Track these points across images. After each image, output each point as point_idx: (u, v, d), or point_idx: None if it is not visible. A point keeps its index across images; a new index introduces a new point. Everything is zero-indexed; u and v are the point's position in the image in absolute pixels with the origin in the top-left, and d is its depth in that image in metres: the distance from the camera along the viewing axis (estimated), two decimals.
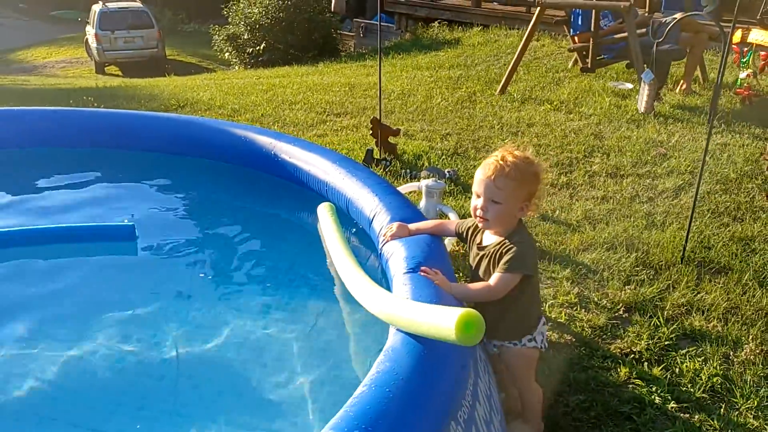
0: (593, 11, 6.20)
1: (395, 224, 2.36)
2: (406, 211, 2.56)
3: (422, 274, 1.98)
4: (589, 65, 6.51)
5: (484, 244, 2.12)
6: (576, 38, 6.65)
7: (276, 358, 2.27)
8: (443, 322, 1.47)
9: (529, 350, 2.14)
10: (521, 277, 1.98)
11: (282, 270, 2.92)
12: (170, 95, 8.02)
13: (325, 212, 2.96)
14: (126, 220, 3.16)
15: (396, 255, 2.17)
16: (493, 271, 2.01)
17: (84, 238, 3.04)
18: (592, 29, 6.27)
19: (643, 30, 6.13)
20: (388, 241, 2.33)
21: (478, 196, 2.01)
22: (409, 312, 1.63)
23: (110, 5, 19.10)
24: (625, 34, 6.20)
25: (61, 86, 11.49)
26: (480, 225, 2.09)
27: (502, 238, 2.04)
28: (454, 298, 1.97)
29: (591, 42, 6.32)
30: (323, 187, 3.19)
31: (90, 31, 18.99)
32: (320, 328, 2.44)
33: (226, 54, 14.98)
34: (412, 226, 2.37)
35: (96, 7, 19.05)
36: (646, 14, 6.81)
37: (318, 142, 5.39)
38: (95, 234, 3.06)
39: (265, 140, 3.62)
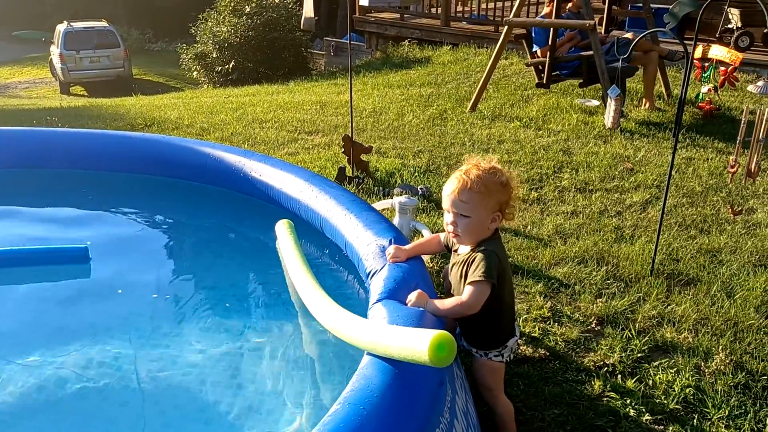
0: (551, 29, 6.33)
1: (392, 247, 2.32)
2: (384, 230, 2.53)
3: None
4: (544, 81, 6.62)
5: (459, 253, 2.15)
6: (536, 54, 6.76)
7: (246, 380, 2.21)
8: (415, 345, 1.45)
9: (493, 363, 2.14)
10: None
11: (251, 290, 2.87)
12: (137, 114, 7.91)
13: (283, 230, 2.90)
14: (89, 243, 3.07)
15: (377, 275, 2.16)
16: (463, 279, 2.02)
17: (36, 261, 2.94)
18: (549, 45, 6.38)
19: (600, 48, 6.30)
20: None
21: (448, 212, 2.04)
22: (378, 335, 1.60)
23: (75, 25, 18.87)
24: (585, 53, 6.34)
25: (25, 107, 11.26)
26: (454, 240, 2.10)
27: (472, 247, 2.06)
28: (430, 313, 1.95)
29: (548, 58, 6.43)
30: (295, 206, 3.16)
31: (54, 51, 18.71)
32: (292, 347, 2.39)
33: (195, 73, 14.88)
34: (407, 247, 2.34)
35: (60, 27, 18.80)
36: (601, 33, 6.96)
37: (289, 160, 5.35)
38: (48, 257, 2.96)
39: (234, 158, 3.58)
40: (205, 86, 14.38)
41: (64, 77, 18.17)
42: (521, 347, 2.84)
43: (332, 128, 6.57)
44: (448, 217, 2.04)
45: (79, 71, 18.18)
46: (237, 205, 3.52)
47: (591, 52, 6.25)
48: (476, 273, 1.95)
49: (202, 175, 3.66)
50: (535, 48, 6.71)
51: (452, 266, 2.16)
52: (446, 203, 2.03)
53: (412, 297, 2.00)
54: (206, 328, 2.52)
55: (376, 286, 2.07)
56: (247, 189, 3.48)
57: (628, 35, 6.18)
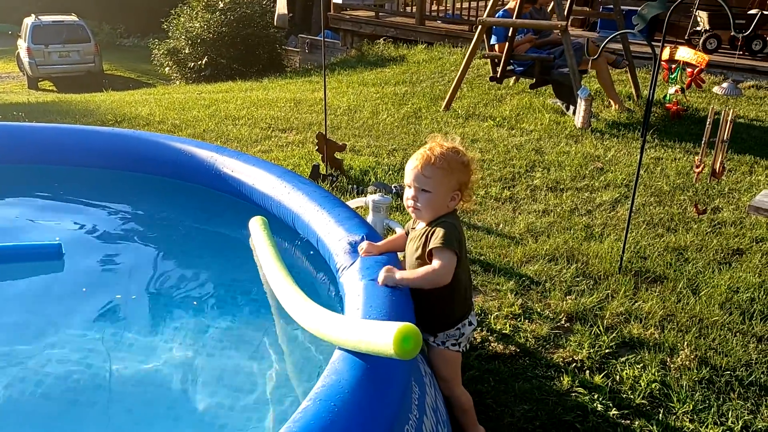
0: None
1: (365, 243, 2.33)
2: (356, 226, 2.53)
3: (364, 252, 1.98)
4: (498, 75, 6.69)
5: (416, 229, 2.17)
6: (493, 47, 6.80)
7: (216, 378, 2.20)
8: (381, 338, 1.45)
9: (449, 353, 2.15)
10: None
11: (222, 286, 2.84)
12: (107, 110, 7.78)
13: (257, 226, 2.89)
14: (58, 239, 3.02)
15: (349, 269, 2.16)
16: (419, 252, 2.05)
17: (8, 258, 2.88)
18: (507, 41, 6.44)
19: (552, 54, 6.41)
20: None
21: (410, 187, 2.07)
22: (347, 329, 1.61)
23: (43, 18, 18.46)
24: (540, 54, 6.44)
25: None
26: (413, 215, 2.12)
27: (428, 223, 2.09)
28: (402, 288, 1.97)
29: (504, 53, 6.48)
30: (267, 202, 3.14)
31: (22, 45, 18.28)
32: (263, 344, 2.38)
33: (167, 68, 14.68)
34: (380, 243, 2.35)
35: (28, 20, 18.37)
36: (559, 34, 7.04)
37: (263, 157, 5.32)
38: (20, 253, 2.90)
39: (206, 154, 3.54)
40: (178, 82, 14.20)
41: (32, 72, 17.76)
42: (492, 344, 2.86)
43: (306, 126, 6.54)
44: (408, 192, 2.07)
45: (47, 66, 17.79)
46: (209, 201, 3.48)
47: (545, 55, 6.37)
48: (438, 240, 1.97)
49: (175, 171, 3.62)
50: (494, 41, 6.75)
51: (408, 243, 2.16)
52: (408, 178, 2.06)
53: (381, 274, 2.02)
54: (176, 326, 2.49)
55: (350, 275, 2.08)
56: (219, 185, 3.45)
57: (580, 40, 6.27)
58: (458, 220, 2.11)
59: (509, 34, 6.39)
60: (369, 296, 1.88)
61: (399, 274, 2.03)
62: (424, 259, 2.04)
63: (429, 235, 2.03)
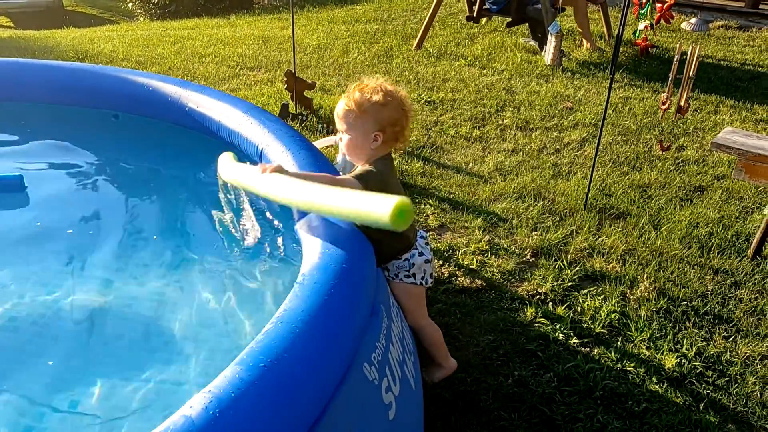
0: None
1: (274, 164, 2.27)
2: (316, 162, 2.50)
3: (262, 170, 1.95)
4: (474, 14, 6.58)
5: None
6: None
7: (183, 308, 2.21)
8: (378, 208, 1.52)
9: (408, 286, 2.19)
10: None
11: (189, 222, 2.83)
12: (68, 47, 7.48)
13: (228, 158, 2.86)
14: (19, 173, 2.95)
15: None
16: None
17: None
18: None
19: None
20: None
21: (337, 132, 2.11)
22: (343, 200, 1.65)
23: None
24: None
25: None
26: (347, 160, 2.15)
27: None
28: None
29: None
30: (235, 138, 3.08)
31: None
32: (228, 276, 2.39)
33: (130, 4, 14.07)
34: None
35: None
36: None
37: None
38: None
39: (170, 89, 3.44)
40: (142, 19, 13.64)
41: None
42: (459, 279, 2.92)
43: (275, 64, 6.39)
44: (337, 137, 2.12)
45: (3, 1, 16.92)
46: (175, 137, 3.41)
47: None
48: (354, 173, 2.02)
49: (140, 106, 3.52)
50: None
51: None
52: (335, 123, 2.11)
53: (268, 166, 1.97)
54: (144, 261, 2.48)
55: (305, 222, 2.06)
56: (185, 121, 3.37)
57: None
58: (389, 163, 2.10)
59: None
60: (325, 238, 1.87)
61: (291, 171, 1.99)
62: None
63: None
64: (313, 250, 1.72)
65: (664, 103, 3.51)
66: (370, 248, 1.95)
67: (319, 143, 3.69)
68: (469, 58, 6.46)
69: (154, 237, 2.65)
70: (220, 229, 2.68)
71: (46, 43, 8.13)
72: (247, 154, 2.91)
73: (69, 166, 3.29)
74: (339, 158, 3.58)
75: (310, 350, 1.36)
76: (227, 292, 2.27)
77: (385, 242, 2.10)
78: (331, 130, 4.50)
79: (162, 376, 1.91)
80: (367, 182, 1.97)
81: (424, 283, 2.20)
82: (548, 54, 6.07)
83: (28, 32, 10.91)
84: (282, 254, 2.44)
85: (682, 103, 3.40)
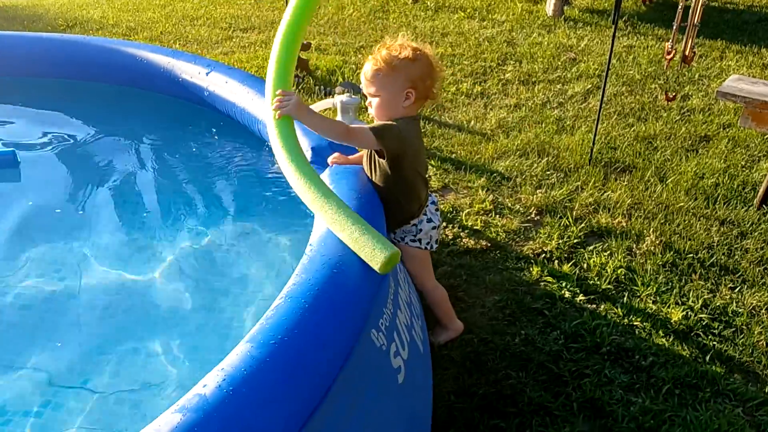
0: None
1: (336, 153, 2.24)
2: None
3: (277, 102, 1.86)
4: None
5: None
6: None
7: (193, 283, 2.22)
8: (371, 258, 1.55)
9: (412, 249, 2.18)
10: (384, 151, 1.96)
11: (192, 193, 2.81)
12: (56, 14, 7.32)
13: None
14: (13, 149, 2.93)
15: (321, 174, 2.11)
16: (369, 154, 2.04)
17: None
18: None
19: None
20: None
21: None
22: (346, 232, 1.63)
23: None
24: None
25: None
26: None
27: None
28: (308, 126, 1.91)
29: None
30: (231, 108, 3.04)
31: None
32: (235, 248, 2.39)
33: None
34: (350, 157, 2.24)
35: None
36: None
37: (225, 60, 5.12)
38: None
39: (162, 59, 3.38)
40: None
41: None
42: (463, 240, 2.91)
43: (268, 24, 6.26)
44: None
45: None
46: (168, 108, 3.37)
47: None
48: (374, 126, 1.96)
49: (136, 79, 3.47)
50: None
51: None
52: (363, 87, 2.03)
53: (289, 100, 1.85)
54: (140, 234, 2.48)
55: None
56: (179, 92, 3.32)
57: None
58: (414, 123, 2.05)
59: None
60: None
61: (306, 111, 1.88)
62: (371, 155, 2.02)
63: None
64: (321, 220, 1.71)
65: (669, 53, 3.42)
66: (381, 215, 1.93)
67: (316, 106, 3.64)
68: (468, 10, 6.32)
69: (150, 212, 2.64)
70: (228, 200, 2.67)
71: (35, 11, 7.95)
72: (246, 125, 2.88)
73: (65, 139, 3.25)
74: (338, 119, 3.54)
75: (320, 324, 1.36)
76: (239, 264, 2.27)
77: (404, 204, 2.08)
78: (329, 92, 4.43)
79: (174, 351, 1.92)
80: (383, 137, 1.91)
81: (428, 248, 2.20)
82: (549, 4, 5.92)
83: (14, 0, 10.68)
84: (293, 224, 2.43)
85: (687, 52, 3.32)
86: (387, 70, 1.95)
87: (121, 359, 1.91)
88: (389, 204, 2.04)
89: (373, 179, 2.05)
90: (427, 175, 2.17)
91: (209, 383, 1.19)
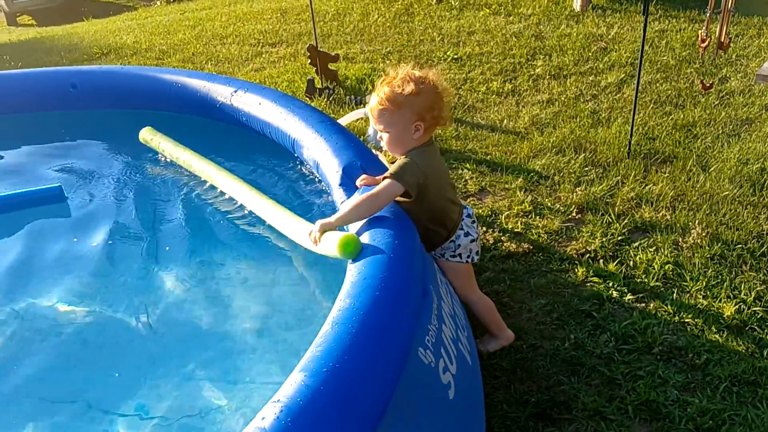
0: None
1: (363, 176, 2.27)
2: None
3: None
4: None
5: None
6: None
7: (238, 309, 2.26)
8: (328, 247, 1.82)
9: (454, 264, 2.19)
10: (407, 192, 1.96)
11: (232, 221, 2.86)
12: (91, 42, 7.55)
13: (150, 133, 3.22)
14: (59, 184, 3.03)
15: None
16: None
17: (12, 207, 2.92)
18: None
19: None
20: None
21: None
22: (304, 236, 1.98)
23: None
24: None
25: None
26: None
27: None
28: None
29: None
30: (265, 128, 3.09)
31: None
32: (279, 275, 2.42)
33: None
34: (378, 178, 2.26)
35: None
36: None
37: (256, 76, 5.20)
38: (22, 201, 2.94)
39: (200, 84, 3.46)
40: (159, 2, 13.65)
41: (9, 7, 17.11)
42: (505, 244, 2.90)
43: (296, 37, 6.33)
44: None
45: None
46: (212, 132, 3.44)
47: None
48: (390, 170, 1.97)
49: (171, 104, 3.55)
50: None
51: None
52: (371, 123, 2.10)
53: (314, 228, 1.93)
54: (187, 263, 2.54)
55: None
56: (219, 116, 3.39)
57: None
58: (430, 150, 2.06)
59: None
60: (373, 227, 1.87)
61: (333, 217, 1.93)
62: None
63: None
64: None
65: (703, 41, 3.34)
66: (414, 231, 1.94)
67: (346, 119, 3.67)
68: (493, 6, 6.27)
69: (218, 237, 2.70)
70: (262, 227, 2.70)
71: (71, 40, 8.22)
72: (281, 144, 2.91)
73: (103, 169, 3.35)
74: (370, 130, 3.56)
75: (368, 348, 1.38)
76: (280, 285, 2.31)
77: (437, 230, 2.11)
78: (359, 101, 4.46)
79: (226, 375, 1.97)
80: (402, 178, 1.93)
81: (469, 260, 2.20)
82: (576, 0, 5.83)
83: (51, 29, 11.03)
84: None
85: (722, 39, 3.24)
86: (392, 108, 1.98)
87: (177, 387, 1.96)
88: (421, 231, 2.06)
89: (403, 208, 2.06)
90: (455, 193, 2.18)
91: (267, 416, 1.22)
